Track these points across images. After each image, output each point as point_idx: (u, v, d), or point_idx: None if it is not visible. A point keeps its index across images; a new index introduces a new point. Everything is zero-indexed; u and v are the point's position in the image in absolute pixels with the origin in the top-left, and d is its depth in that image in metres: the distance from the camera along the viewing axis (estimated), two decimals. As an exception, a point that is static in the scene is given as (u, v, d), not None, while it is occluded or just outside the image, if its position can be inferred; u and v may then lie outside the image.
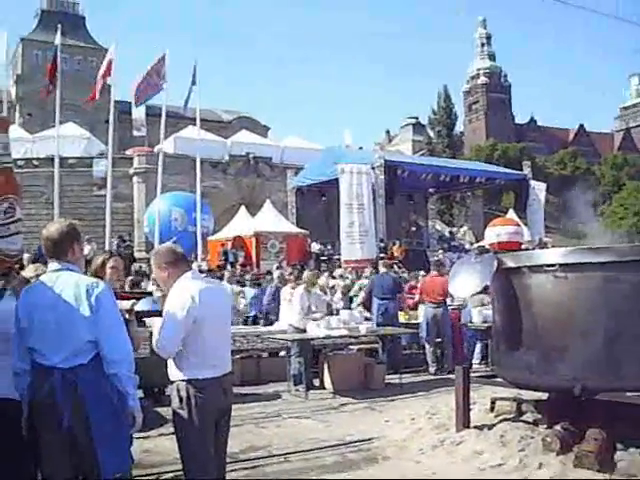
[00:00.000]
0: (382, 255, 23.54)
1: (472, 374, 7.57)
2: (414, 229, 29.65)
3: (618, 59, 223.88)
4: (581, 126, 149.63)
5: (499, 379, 6.98)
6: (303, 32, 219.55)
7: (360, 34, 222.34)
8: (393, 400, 10.66)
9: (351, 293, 17.21)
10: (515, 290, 4.72)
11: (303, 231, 26.68)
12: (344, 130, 50.25)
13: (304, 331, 11.91)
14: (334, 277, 19.41)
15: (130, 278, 12.04)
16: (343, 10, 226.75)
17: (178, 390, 4.25)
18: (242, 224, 26.61)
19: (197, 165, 23.38)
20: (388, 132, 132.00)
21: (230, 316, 5.20)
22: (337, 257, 24.60)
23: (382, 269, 15.82)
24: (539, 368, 5.77)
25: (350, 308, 15.38)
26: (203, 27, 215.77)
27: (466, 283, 4.54)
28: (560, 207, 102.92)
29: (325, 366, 11.99)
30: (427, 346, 14.07)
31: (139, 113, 22.00)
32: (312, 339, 11.84)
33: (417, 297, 15.17)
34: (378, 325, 13.76)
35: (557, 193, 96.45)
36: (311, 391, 11.25)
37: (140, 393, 6.01)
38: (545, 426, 6.57)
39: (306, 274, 13.24)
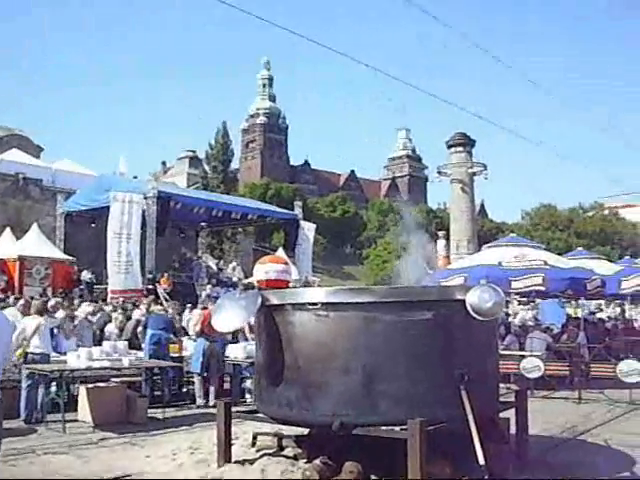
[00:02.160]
0: (150, 287, 23.19)
1: (236, 409, 7.58)
2: (182, 263, 29.45)
3: (389, 112, 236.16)
4: (352, 172, 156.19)
5: (261, 414, 7.03)
6: (89, 53, 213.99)
7: (143, 61, 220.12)
8: (155, 435, 10.40)
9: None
10: (278, 327, 4.79)
11: (70, 258, 25.75)
12: (120, 157, 49.22)
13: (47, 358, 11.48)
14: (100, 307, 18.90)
15: None
16: (127, 38, 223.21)
17: None
18: (6, 247, 25.22)
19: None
20: (164, 163, 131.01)
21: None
22: (105, 286, 23.92)
23: (155, 306, 15.86)
24: (299, 404, 5.87)
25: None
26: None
27: (229, 318, 4.55)
28: (328, 248, 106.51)
29: (85, 398, 11.52)
30: (196, 379, 14.01)
31: None
32: (72, 370, 11.39)
33: (198, 327, 14.99)
34: (150, 356, 13.58)
35: (326, 234, 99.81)
36: (69, 425, 10.75)
37: None
38: (305, 460, 6.68)
39: (34, 303, 12.85)
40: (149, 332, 14.37)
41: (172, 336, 14.82)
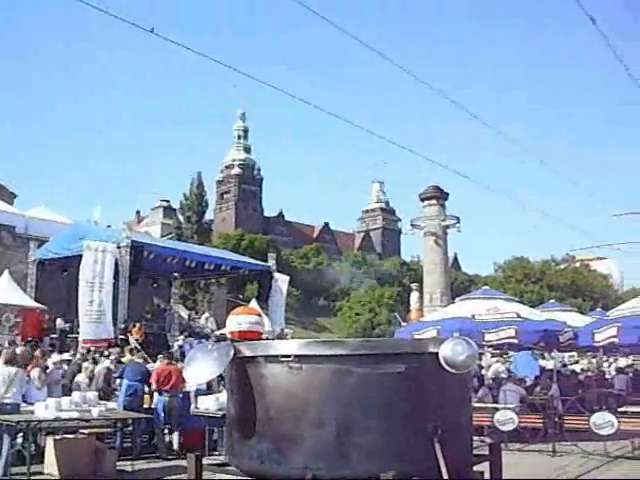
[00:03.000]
0: (122, 337, 22.99)
1: (207, 461, 7.47)
2: (155, 314, 29.27)
3: (365, 165, 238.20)
4: (326, 224, 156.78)
5: (232, 467, 6.93)
6: (63, 103, 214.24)
7: (119, 112, 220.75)
8: (122, 488, 10.25)
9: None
10: (250, 379, 4.76)
11: (41, 306, 25.46)
12: (95, 206, 49.21)
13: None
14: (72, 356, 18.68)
15: None
16: (102, 88, 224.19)
17: None
18: (-24, 294, 24.91)
19: None
20: (138, 212, 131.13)
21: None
22: (76, 335, 23.67)
23: (128, 355, 15.78)
24: (271, 457, 5.80)
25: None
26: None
27: (201, 370, 4.52)
28: (301, 300, 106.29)
29: (52, 450, 11.30)
30: (158, 432, 13.94)
31: None
32: (40, 421, 11.20)
33: (153, 386, 14.87)
34: (125, 407, 13.49)
35: (300, 286, 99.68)
36: (35, 478, 10.53)
37: None
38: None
39: (4, 351, 12.76)
40: (125, 382, 14.26)
41: (147, 387, 14.75)
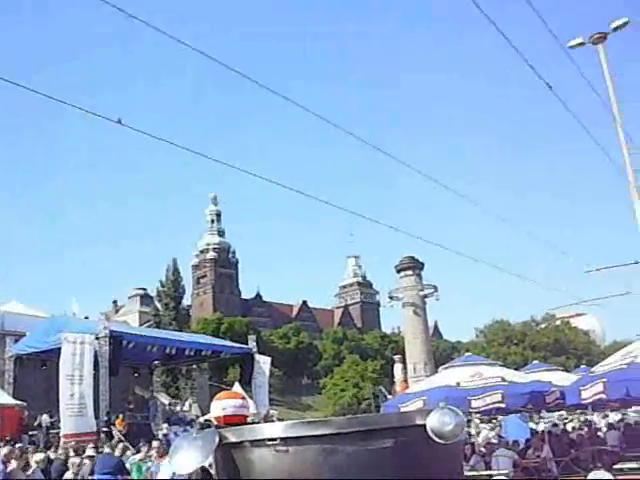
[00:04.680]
0: (105, 429, 22.61)
1: None
2: (137, 403, 28.85)
3: (338, 241, 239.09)
4: (304, 302, 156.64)
5: None
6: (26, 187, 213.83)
7: (89, 200, 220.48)
8: None
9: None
10: (237, 465, 4.67)
11: (20, 402, 25.07)
12: (71, 298, 48.95)
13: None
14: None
15: None
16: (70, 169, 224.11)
17: None
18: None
19: None
20: (115, 302, 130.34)
21: None
22: (57, 430, 23.25)
23: (106, 449, 15.46)
24: None
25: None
26: None
27: (187, 459, 4.42)
28: (284, 379, 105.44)
29: None
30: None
31: None
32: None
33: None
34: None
35: (282, 366, 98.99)
36: None
37: None
38: None
39: None
40: (96, 477, 13.96)
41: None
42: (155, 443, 17.30)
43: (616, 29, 22.50)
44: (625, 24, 22.48)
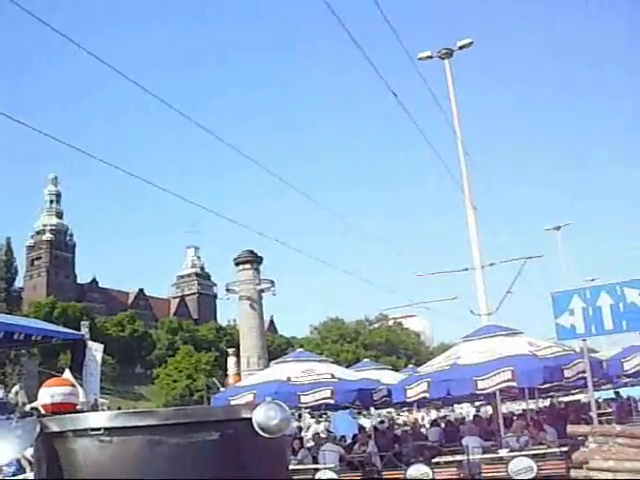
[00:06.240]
0: None
1: None
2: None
3: (179, 231, 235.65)
4: (141, 290, 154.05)
5: None
6: None
7: None
8: None
9: None
10: (59, 456, 4.58)
11: None
12: None
13: None
14: None
15: None
16: None
17: None
18: None
19: None
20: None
21: None
22: None
23: None
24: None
25: None
26: None
27: (5, 449, 4.29)
28: (117, 368, 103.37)
29: None
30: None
31: None
32: None
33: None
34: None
35: (115, 354, 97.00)
36: None
37: None
38: None
39: None
40: None
41: None
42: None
43: (462, 47, 23.52)
44: (470, 44, 23.57)
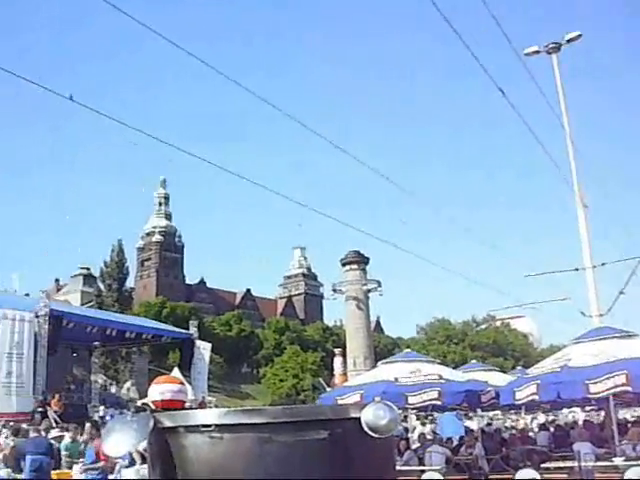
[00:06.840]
0: (40, 409, 22.33)
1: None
2: (75, 384, 28.61)
3: (286, 231, 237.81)
4: (248, 290, 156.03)
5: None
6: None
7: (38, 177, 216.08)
8: None
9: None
10: (171, 450, 4.68)
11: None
12: (13, 275, 48.21)
13: None
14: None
15: None
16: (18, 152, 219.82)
17: None
18: None
19: None
20: (57, 280, 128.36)
21: None
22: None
23: (33, 434, 15.30)
24: (194, 531, 5.68)
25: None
26: None
27: (120, 442, 4.41)
28: (225, 367, 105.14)
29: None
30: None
31: None
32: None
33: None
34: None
35: (223, 353, 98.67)
36: None
37: None
38: None
39: None
40: (29, 458, 13.80)
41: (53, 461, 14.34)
42: (87, 425, 17.21)
43: (569, 41, 22.92)
44: (579, 36, 22.94)
